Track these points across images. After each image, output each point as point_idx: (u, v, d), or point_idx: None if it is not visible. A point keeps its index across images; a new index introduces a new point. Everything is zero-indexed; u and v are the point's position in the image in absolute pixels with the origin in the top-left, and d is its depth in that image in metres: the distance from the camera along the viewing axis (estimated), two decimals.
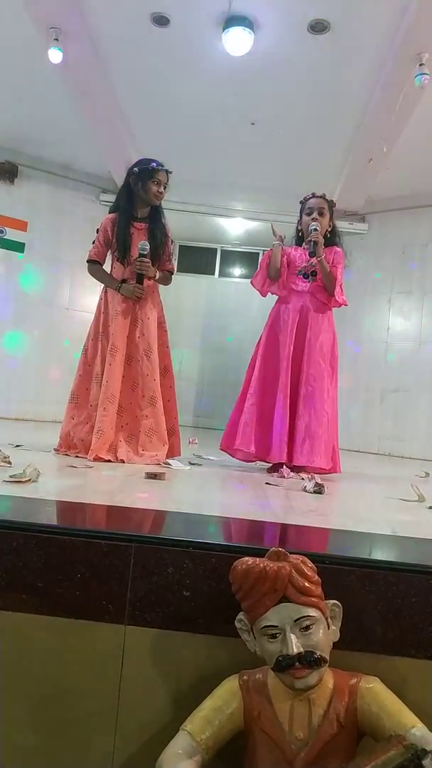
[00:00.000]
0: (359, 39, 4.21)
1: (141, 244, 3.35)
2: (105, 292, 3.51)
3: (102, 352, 3.38)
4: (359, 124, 5.19)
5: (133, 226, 3.44)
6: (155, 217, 3.51)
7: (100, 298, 3.51)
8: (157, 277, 3.47)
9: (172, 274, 3.65)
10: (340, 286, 3.46)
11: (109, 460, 3.17)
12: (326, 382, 3.42)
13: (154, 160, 3.42)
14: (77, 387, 3.43)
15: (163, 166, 3.43)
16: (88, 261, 3.51)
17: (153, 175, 3.37)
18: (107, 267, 3.55)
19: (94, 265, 3.51)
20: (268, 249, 3.59)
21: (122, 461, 3.17)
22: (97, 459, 3.12)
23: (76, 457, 3.20)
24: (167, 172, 3.44)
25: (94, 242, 3.50)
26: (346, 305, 3.53)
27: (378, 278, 6.81)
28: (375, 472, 4.57)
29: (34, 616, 1.35)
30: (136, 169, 3.42)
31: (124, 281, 3.40)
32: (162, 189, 3.41)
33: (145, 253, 3.35)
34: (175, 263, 8.49)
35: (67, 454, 3.26)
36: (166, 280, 3.60)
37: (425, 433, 6.45)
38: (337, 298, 3.45)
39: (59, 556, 1.36)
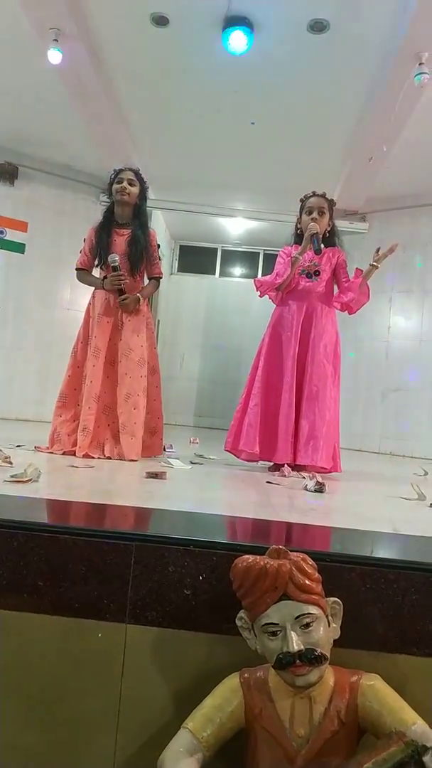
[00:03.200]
0: (359, 38, 4.21)
1: (110, 257, 3.45)
2: (93, 295, 3.61)
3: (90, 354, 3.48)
4: (359, 124, 5.19)
5: (115, 232, 3.57)
6: (138, 222, 3.59)
7: (89, 302, 3.62)
8: (141, 301, 3.54)
9: (160, 278, 3.73)
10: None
11: (98, 457, 3.27)
12: (329, 382, 3.43)
13: (122, 167, 3.63)
14: (66, 387, 3.54)
15: (128, 167, 3.62)
16: (76, 269, 3.67)
17: (116, 176, 3.58)
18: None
19: (81, 272, 3.67)
20: (281, 250, 3.61)
21: (109, 457, 3.29)
22: (87, 456, 3.20)
23: (63, 453, 3.25)
24: (131, 169, 3.60)
25: (81, 251, 3.65)
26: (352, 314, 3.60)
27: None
28: (376, 471, 4.57)
29: (36, 615, 1.35)
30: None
31: (105, 278, 3.52)
32: (125, 185, 3.53)
33: (115, 265, 3.44)
34: (175, 263, 8.58)
35: (51, 452, 3.30)
36: (154, 287, 3.70)
37: (426, 432, 6.44)
38: (353, 311, 3.53)
39: (60, 556, 1.37)
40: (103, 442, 3.38)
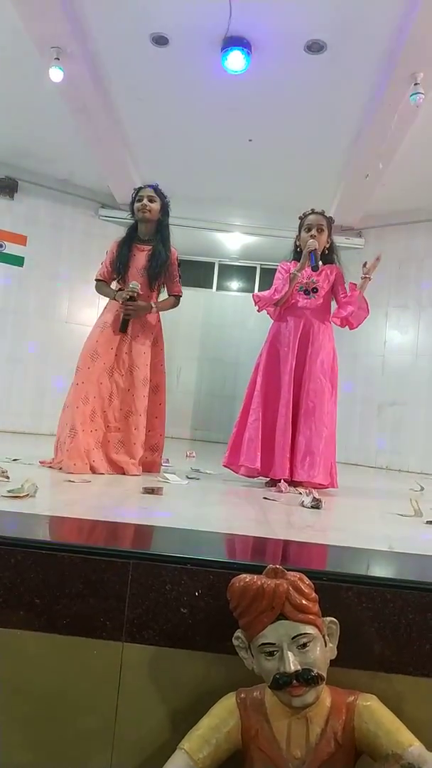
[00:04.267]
0: (355, 59, 4.27)
1: (132, 285, 3.47)
2: (105, 306, 3.63)
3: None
4: (355, 141, 5.24)
5: (137, 247, 3.61)
6: (160, 237, 3.62)
7: (102, 313, 3.64)
8: (153, 309, 3.56)
9: (179, 297, 3.74)
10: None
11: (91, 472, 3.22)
12: (326, 397, 3.43)
13: (142, 186, 3.69)
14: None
15: (147, 185, 3.66)
16: (95, 280, 3.71)
17: (137, 195, 3.64)
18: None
19: (99, 282, 3.70)
20: (279, 265, 3.63)
21: (93, 471, 3.23)
22: (77, 472, 3.12)
23: (59, 470, 3.20)
24: (150, 186, 3.64)
25: (102, 263, 3.69)
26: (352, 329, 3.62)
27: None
28: (372, 487, 4.57)
29: (32, 633, 1.35)
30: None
31: (120, 289, 3.55)
32: (145, 203, 3.57)
33: (133, 294, 3.45)
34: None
35: (51, 467, 3.28)
36: (171, 304, 3.72)
37: (422, 447, 6.45)
38: (353, 326, 3.55)
39: (57, 573, 1.36)
40: (89, 449, 3.29)
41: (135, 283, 3.47)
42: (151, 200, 3.58)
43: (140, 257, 3.58)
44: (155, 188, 3.64)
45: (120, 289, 3.55)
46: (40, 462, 3.37)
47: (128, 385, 3.45)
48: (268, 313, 3.64)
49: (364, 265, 3.46)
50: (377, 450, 6.77)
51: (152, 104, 5.06)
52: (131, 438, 3.40)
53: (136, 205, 3.60)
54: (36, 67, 4.48)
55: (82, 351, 3.50)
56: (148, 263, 3.54)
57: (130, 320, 3.47)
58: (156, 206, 3.59)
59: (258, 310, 3.65)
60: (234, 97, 4.80)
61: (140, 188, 3.66)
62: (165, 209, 3.66)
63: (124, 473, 3.31)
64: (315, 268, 3.42)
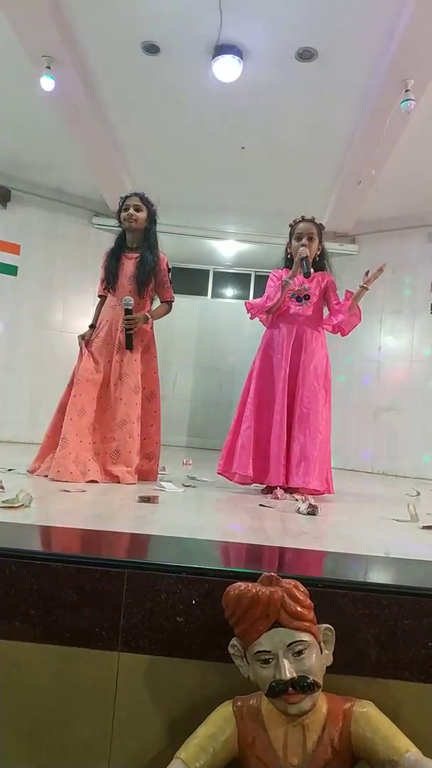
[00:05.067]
0: (346, 66, 4.30)
1: (125, 299, 3.48)
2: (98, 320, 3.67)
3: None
4: (347, 148, 5.27)
5: (125, 256, 3.63)
6: (147, 244, 3.63)
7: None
8: (150, 320, 3.60)
9: (172, 302, 3.75)
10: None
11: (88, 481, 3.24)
12: (320, 403, 3.44)
13: (127, 194, 3.70)
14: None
15: (134, 192, 3.68)
16: (98, 296, 3.76)
17: (123, 204, 3.64)
18: None
19: (102, 298, 3.73)
20: (271, 272, 3.64)
21: (88, 481, 3.23)
22: (66, 479, 3.11)
23: (50, 478, 3.19)
24: (136, 194, 3.65)
25: (100, 279, 3.72)
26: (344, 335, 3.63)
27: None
28: (368, 492, 4.57)
29: (27, 644, 1.34)
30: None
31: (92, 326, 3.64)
32: (131, 212, 3.59)
33: (129, 308, 3.48)
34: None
35: (37, 474, 3.31)
36: (165, 310, 3.73)
37: (418, 452, 6.46)
38: (345, 332, 3.56)
39: (52, 583, 1.36)
40: (85, 462, 3.29)
41: (128, 298, 3.48)
42: (137, 209, 3.60)
43: (128, 265, 3.60)
44: (141, 197, 3.65)
45: (92, 326, 3.63)
46: (28, 470, 3.37)
47: (120, 394, 3.45)
48: (260, 321, 3.65)
49: (367, 273, 3.45)
50: (373, 455, 6.77)
51: (144, 113, 5.09)
52: (126, 446, 3.40)
53: (123, 214, 3.62)
54: (28, 76, 4.50)
55: (79, 363, 3.50)
56: (136, 270, 3.56)
57: (133, 334, 3.49)
58: (142, 215, 3.61)
59: (251, 318, 3.65)
60: (226, 104, 4.83)
61: (126, 197, 3.67)
62: (152, 217, 3.67)
63: (119, 482, 3.30)
64: (307, 275, 3.43)
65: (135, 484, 3.32)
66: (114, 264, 3.61)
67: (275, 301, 3.50)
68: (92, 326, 3.65)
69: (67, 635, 1.34)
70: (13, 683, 1.34)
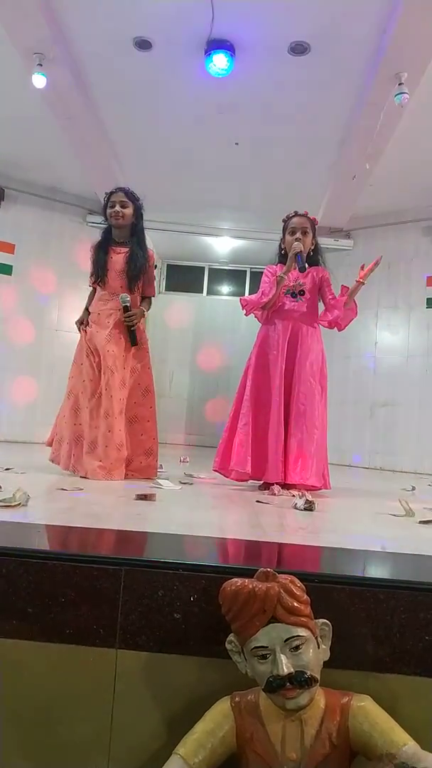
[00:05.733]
0: (339, 60, 4.29)
1: (121, 297, 3.50)
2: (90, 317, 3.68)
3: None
4: (342, 143, 5.26)
5: (113, 250, 3.62)
6: (136, 240, 3.63)
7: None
8: (145, 314, 3.65)
9: (152, 298, 3.78)
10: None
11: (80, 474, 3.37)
12: (317, 399, 3.44)
13: (113, 189, 3.69)
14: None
15: (119, 188, 3.68)
16: (90, 287, 3.78)
17: (108, 200, 3.64)
18: None
19: (92, 292, 3.76)
20: (265, 268, 3.64)
21: (73, 470, 3.42)
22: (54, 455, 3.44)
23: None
24: (122, 190, 3.65)
25: (90, 273, 3.73)
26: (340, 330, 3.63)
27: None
28: (365, 487, 4.58)
29: (25, 642, 1.34)
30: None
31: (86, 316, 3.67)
32: (117, 209, 3.59)
33: (126, 305, 3.50)
34: (163, 282, 8.62)
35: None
36: (148, 306, 3.74)
37: (414, 447, 6.47)
38: (341, 327, 3.56)
39: (49, 582, 1.36)
40: (71, 449, 3.46)
41: (125, 295, 3.49)
42: (123, 205, 3.59)
43: (117, 260, 3.59)
44: (126, 192, 3.64)
45: (84, 318, 3.67)
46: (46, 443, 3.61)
47: (107, 386, 3.43)
48: (255, 317, 3.64)
49: (362, 267, 3.45)
50: (370, 450, 6.79)
51: (137, 109, 5.07)
52: (104, 440, 3.35)
53: (109, 211, 3.61)
54: (20, 74, 4.48)
55: (79, 349, 3.58)
56: (127, 266, 3.56)
57: (136, 329, 3.52)
58: (128, 211, 3.60)
59: (246, 314, 3.65)
60: (219, 100, 4.81)
61: (111, 192, 3.65)
62: (138, 212, 3.67)
63: (87, 478, 3.28)
64: (302, 270, 3.42)
65: (109, 481, 3.28)
66: (102, 257, 3.60)
67: (270, 296, 3.49)
68: (87, 309, 3.68)
69: (64, 633, 1.34)
70: (12, 681, 1.34)
